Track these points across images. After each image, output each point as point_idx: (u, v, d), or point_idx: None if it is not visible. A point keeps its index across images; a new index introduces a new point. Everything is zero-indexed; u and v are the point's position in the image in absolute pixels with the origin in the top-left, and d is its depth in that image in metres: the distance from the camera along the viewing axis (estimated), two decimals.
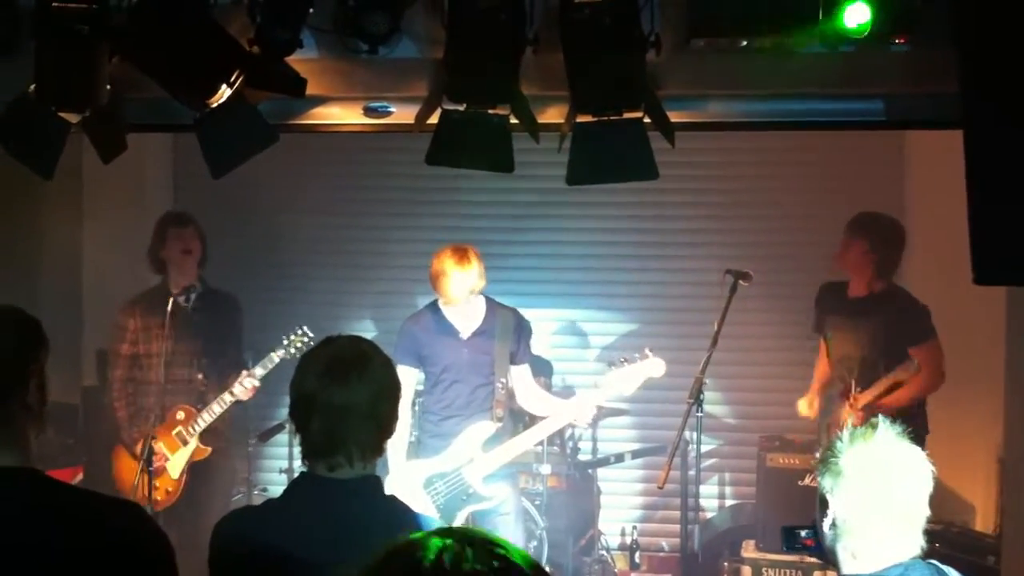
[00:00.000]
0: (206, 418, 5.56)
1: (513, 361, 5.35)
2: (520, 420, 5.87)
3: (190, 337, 5.66)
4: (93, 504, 2.19)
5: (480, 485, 5.23)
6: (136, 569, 2.13)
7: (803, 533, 2.61)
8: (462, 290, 5.12)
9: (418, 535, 1.33)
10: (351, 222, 7.53)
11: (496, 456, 5.25)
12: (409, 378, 5.25)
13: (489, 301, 5.37)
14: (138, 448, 5.46)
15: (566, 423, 5.59)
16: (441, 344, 5.28)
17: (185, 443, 5.58)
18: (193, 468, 5.62)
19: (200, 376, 5.66)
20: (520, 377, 5.42)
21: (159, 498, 5.50)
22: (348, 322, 7.18)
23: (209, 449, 5.67)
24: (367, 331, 7.18)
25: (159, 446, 5.50)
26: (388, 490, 5.10)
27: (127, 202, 6.48)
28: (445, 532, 1.33)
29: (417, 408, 5.61)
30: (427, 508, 5.12)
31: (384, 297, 7.56)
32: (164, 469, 5.54)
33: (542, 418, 5.59)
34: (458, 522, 5.21)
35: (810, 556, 2.64)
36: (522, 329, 5.41)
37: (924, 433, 5.37)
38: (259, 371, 5.56)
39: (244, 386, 5.53)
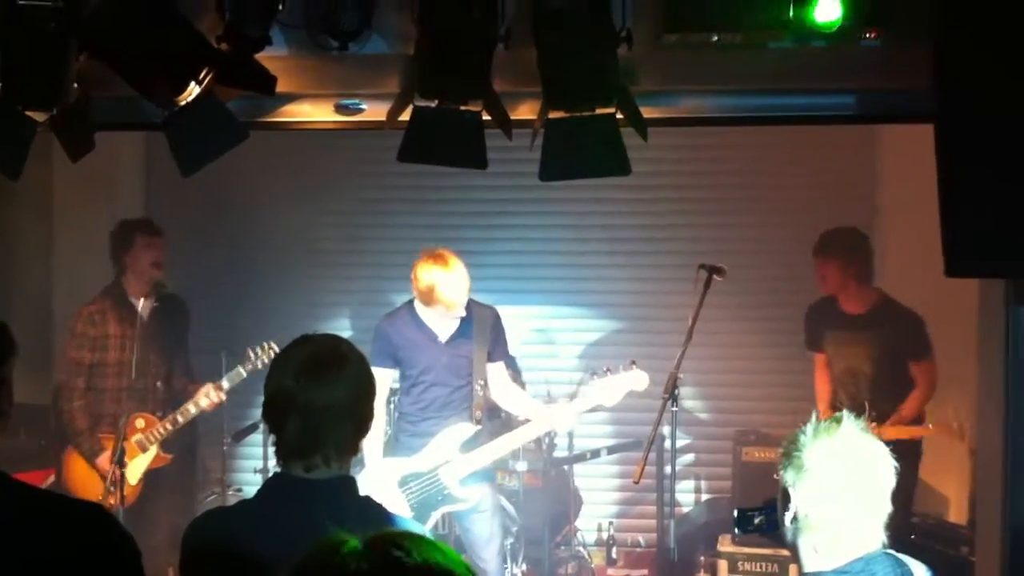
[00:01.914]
0: (168, 427, 5.59)
1: (489, 359, 5.33)
2: (499, 422, 5.84)
3: (149, 345, 5.65)
4: (60, 507, 2.16)
5: (456, 487, 5.20)
6: (101, 570, 2.10)
7: (756, 518, 2.60)
8: (461, 293, 5.07)
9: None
10: (325, 220, 7.49)
11: (473, 459, 5.21)
12: (385, 379, 5.20)
13: (468, 300, 5.33)
14: (100, 459, 5.47)
15: (545, 430, 5.57)
16: (419, 348, 5.21)
17: (144, 450, 5.60)
18: (149, 475, 5.63)
19: (159, 384, 5.69)
20: (496, 374, 5.39)
21: (112, 502, 5.46)
22: (322, 321, 7.15)
23: (169, 457, 5.71)
24: (342, 329, 7.15)
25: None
26: (362, 487, 5.09)
27: (98, 201, 6.43)
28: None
29: (393, 408, 5.57)
30: (401, 507, 5.09)
31: (358, 295, 7.54)
32: (123, 476, 5.44)
33: (519, 420, 5.58)
34: (431, 522, 5.20)
35: (762, 536, 2.63)
36: (499, 327, 5.38)
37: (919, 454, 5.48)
38: (225, 384, 5.62)
39: (211, 398, 5.58)
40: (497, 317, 5.37)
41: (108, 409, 5.58)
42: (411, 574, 1.33)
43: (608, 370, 5.25)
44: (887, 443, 2.43)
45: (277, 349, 5.47)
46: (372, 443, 5.18)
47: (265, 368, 5.44)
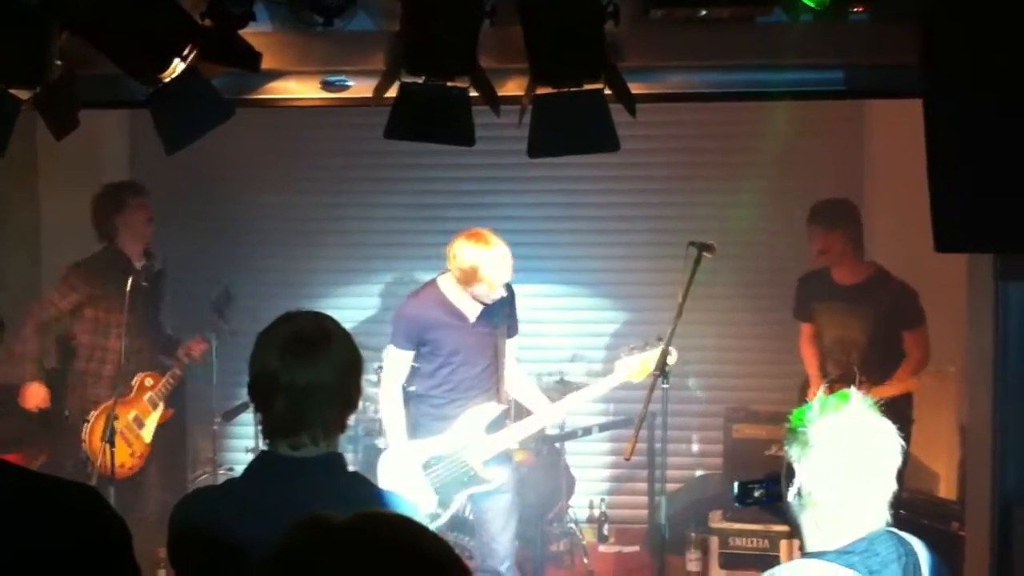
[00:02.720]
0: (171, 382, 5.75)
1: (509, 335, 5.29)
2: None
3: (145, 305, 5.75)
4: (49, 489, 2.14)
5: (481, 468, 5.12)
6: (94, 555, 2.09)
7: (757, 491, 2.60)
8: (505, 272, 4.99)
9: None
10: (311, 199, 7.46)
11: (499, 440, 5.15)
12: (406, 361, 5.15)
13: None
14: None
15: (544, 425, 5.50)
16: (449, 329, 5.10)
17: (155, 407, 5.74)
18: (157, 432, 5.79)
19: (156, 343, 5.87)
20: (510, 351, 5.33)
21: (128, 463, 5.63)
22: (309, 300, 7.11)
23: (172, 411, 5.86)
24: (328, 308, 7.12)
25: (133, 414, 5.66)
26: (384, 470, 5.06)
27: (84, 178, 6.40)
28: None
29: (414, 389, 5.37)
30: (425, 489, 5.04)
31: (345, 275, 7.53)
32: (139, 435, 5.67)
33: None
34: (456, 504, 5.13)
35: (762, 510, 2.63)
36: (514, 303, 5.32)
37: (910, 420, 5.45)
38: (208, 334, 5.85)
39: (202, 347, 5.81)
40: (512, 291, 5.29)
41: (107, 371, 5.66)
42: (389, 555, 1.32)
43: (634, 348, 5.21)
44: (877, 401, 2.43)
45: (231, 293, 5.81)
46: (396, 425, 5.14)
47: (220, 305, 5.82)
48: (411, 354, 5.14)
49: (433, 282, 5.19)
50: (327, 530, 1.34)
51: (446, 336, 5.11)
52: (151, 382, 5.73)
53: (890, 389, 5.34)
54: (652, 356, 5.13)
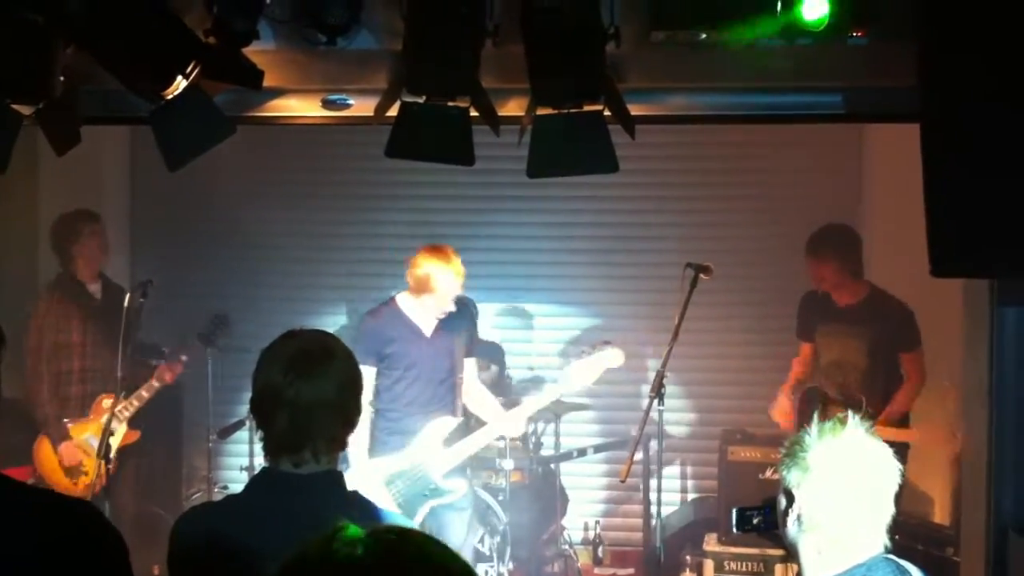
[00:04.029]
0: (135, 404, 5.69)
1: (467, 354, 5.38)
2: (471, 415, 5.84)
3: (104, 327, 5.79)
4: (49, 503, 2.14)
5: (441, 480, 5.23)
6: (91, 570, 2.08)
7: (755, 518, 2.61)
8: (454, 288, 5.13)
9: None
10: (310, 216, 7.47)
11: (457, 452, 5.25)
12: (369, 376, 5.19)
13: None
14: (62, 447, 5.62)
15: (498, 435, 5.55)
16: (405, 342, 5.23)
17: (113, 431, 5.64)
18: (121, 453, 5.68)
19: (119, 363, 5.73)
20: (469, 369, 5.43)
21: (83, 481, 5.60)
22: (307, 316, 7.11)
23: (138, 433, 5.82)
24: (326, 325, 7.14)
25: (87, 436, 5.63)
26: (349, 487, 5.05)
27: (84, 191, 6.41)
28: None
29: (373, 407, 5.47)
30: (388, 505, 5.07)
31: (343, 292, 7.53)
32: (93, 457, 5.54)
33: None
34: (419, 517, 5.19)
35: (759, 536, 2.63)
36: (475, 320, 5.44)
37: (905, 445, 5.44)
38: (184, 357, 5.85)
39: (173, 371, 5.77)
40: (473, 308, 5.42)
41: (73, 392, 5.72)
42: (408, 566, 1.31)
43: (583, 351, 5.35)
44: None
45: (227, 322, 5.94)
46: (358, 443, 5.15)
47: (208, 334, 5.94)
48: (373, 370, 5.22)
49: (392, 298, 5.34)
50: (344, 540, 1.34)
51: (402, 349, 5.23)
52: (108, 403, 5.65)
53: (896, 434, 5.31)
54: (600, 358, 5.29)
